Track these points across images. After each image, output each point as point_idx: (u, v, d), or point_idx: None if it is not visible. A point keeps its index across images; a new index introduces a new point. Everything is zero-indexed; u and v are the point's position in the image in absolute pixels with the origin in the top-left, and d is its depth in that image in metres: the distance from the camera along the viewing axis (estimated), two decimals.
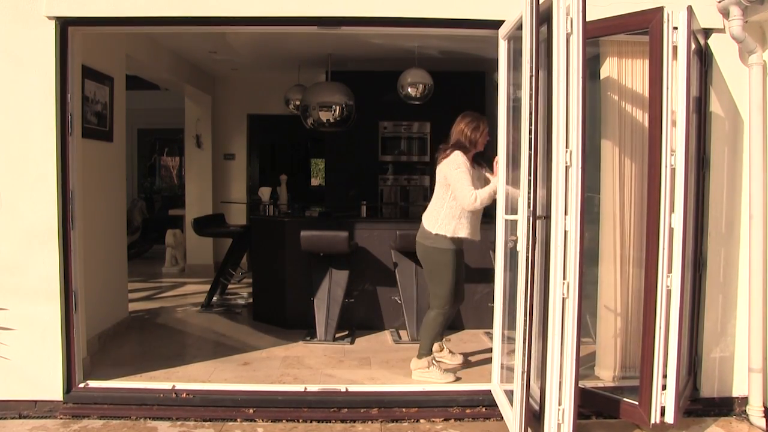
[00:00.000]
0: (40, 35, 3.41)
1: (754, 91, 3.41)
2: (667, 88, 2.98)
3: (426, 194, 7.32)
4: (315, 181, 14.10)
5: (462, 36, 4.00)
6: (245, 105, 8.26)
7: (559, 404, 2.85)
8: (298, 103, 6.78)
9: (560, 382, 2.85)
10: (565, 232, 2.80)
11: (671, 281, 3.03)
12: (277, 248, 5.31)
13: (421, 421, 3.42)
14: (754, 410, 3.45)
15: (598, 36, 3.33)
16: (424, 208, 3.99)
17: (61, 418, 3.44)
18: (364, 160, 7.44)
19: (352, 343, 4.81)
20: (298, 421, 3.41)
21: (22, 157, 3.45)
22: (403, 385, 3.85)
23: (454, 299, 3.96)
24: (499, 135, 3.49)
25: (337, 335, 4.85)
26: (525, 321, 2.85)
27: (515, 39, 3.27)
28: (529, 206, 2.83)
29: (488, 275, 4.96)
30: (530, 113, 2.80)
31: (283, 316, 5.23)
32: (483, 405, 3.53)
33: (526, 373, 2.85)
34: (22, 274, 3.46)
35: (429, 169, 7.36)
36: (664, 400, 3.07)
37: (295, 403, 3.55)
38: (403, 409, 3.50)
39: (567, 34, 2.78)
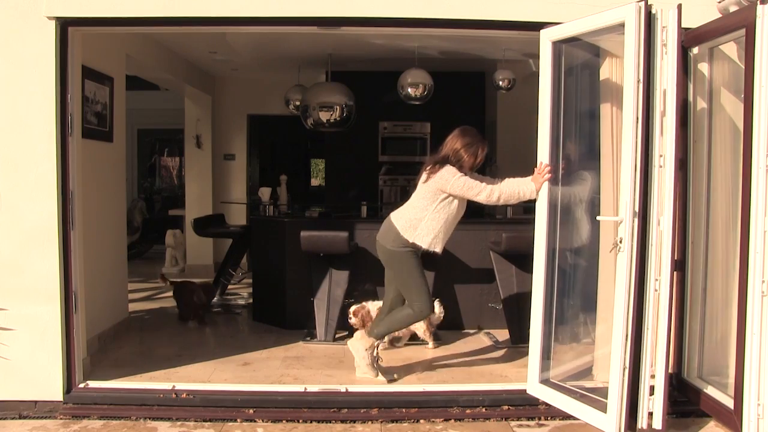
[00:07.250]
0: (41, 35, 3.41)
1: None
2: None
3: None
4: (315, 182, 14.10)
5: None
6: (245, 105, 8.26)
7: (651, 394, 3.11)
8: (298, 103, 6.78)
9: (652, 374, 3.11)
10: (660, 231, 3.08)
11: (766, 287, 2.92)
12: (277, 248, 5.31)
13: (421, 421, 3.42)
14: None
15: (697, 44, 3.39)
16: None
17: (61, 419, 3.44)
18: (364, 160, 7.44)
19: None
20: (298, 421, 3.41)
21: (22, 157, 3.45)
22: (403, 385, 3.85)
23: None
24: (539, 138, 3.41)
25: (337, 335, 4.84)
26: (625, 319, 3.05)
27: (565, 43, 3.42)
28: (632, 207, 3.04)
29: (488, 275, 4.98)
30: (635, 118, 2.99)
31: (283, 317, 5.23)
32: (483, 405, 3.52)
33: (628, 369, 3.04)
34: (22, 274, 3.46)
35: None
36: (761, 410, 2.94)
37: (295, 404, 3.55)
38: (403, 410, 3.49)
39: (662, 44, 3.00)
